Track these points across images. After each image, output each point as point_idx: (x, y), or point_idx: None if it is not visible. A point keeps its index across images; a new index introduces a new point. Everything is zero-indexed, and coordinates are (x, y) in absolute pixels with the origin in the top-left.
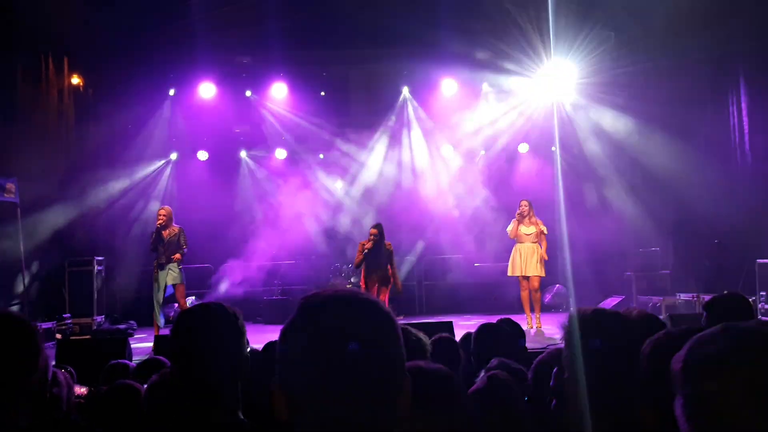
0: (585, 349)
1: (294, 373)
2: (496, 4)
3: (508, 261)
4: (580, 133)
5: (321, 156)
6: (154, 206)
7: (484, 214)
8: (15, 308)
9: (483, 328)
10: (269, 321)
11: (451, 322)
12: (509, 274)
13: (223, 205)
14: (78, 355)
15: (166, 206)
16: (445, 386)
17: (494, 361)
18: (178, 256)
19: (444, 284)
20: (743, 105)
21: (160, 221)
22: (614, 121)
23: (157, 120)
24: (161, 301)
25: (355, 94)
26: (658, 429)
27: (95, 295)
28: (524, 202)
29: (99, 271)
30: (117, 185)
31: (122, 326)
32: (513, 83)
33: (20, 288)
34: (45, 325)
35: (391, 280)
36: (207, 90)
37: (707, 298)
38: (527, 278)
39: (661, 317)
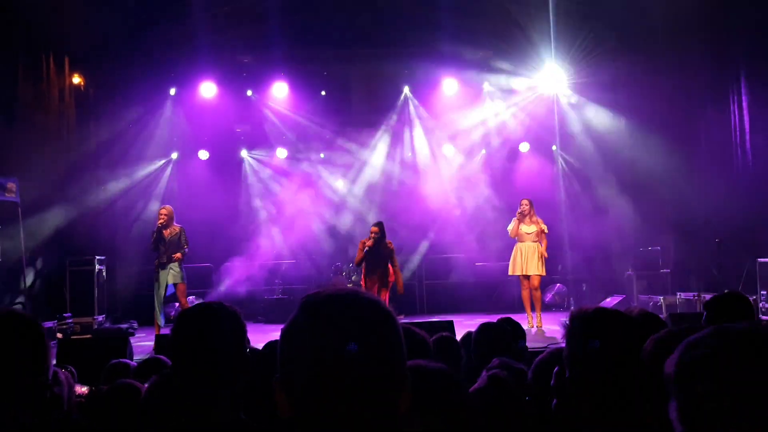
0: (585, 349)
1: (295, 372)
2: (497, 3)
3: (508, 260)
4: (580, 132)
5: (322, 155)
6: (154, 206)
7: (485, 213)
8: (17, 307)
9: (483, 328)
10: (270, 320)
11: (451, 322)
12: (510, 273)
13: (224, 205)
14: (79, 355)
15: (167, 206)
16: (446, 385)
17: (496, 361)
18: (179, 255)
19: (445, 283)
20: (744, 104)
21: (161, 220)
22: (614, 120)
23: (157, 119)
24: (162, 300)
25: (356, 94)
26: (660, 428)
27: (96, 294)
28: (525, 201)
29: (100, 270)
30: (118, 184)
31: (123, 325)
32: (513, 82)
33: (21, 287)
34: (46, 325)
35: (392, 278)
36: (208, 89)
37: (708, 297)
38: (528, 277)
39: (661, 316)
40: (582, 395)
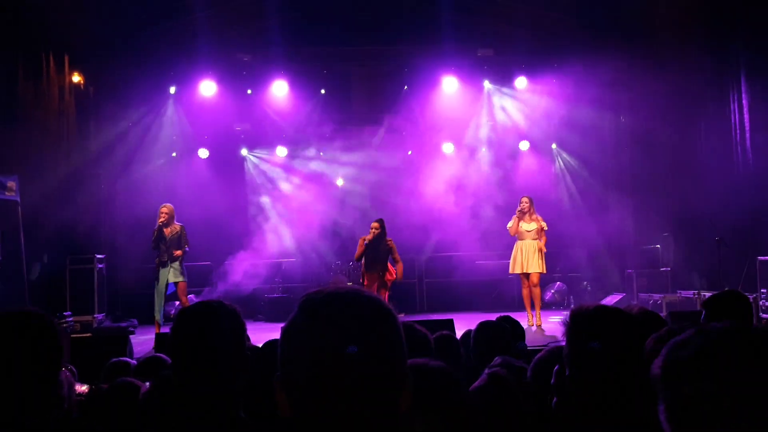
0: (586, 347)
1: (296, 370)
2: (497, 1)
3: (509, 258)
4: (580, 131)
5: (322, 154)
6: (155, 204)
7: (485, 212)
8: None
9: (482, 326)
10: (270, 319)
11: (452, 320)
12: (511, 271)
13: (225, 203)
14: (79, 353)
15: (167, 204)
16: (446, 384)
17: (497, 359)
18: (179, 253)
19: (445, 281)
20: (744, 102)
21: (162, 219)
22: (614, 118)
23: (157, 118)
24: (162, 298)
25: (356, 92)
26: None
27: (96, 292)
28: (525, 199)
29: (100, 268)
30: (118, 182)
31: (123, 324)
32: (513, 81)
33: (21, 286)
34: None
35: (392, 278)
36: (208, 88)
37: (708, 295)
38: (528, 275)
39: (662, 314)
40: (582, 394)
